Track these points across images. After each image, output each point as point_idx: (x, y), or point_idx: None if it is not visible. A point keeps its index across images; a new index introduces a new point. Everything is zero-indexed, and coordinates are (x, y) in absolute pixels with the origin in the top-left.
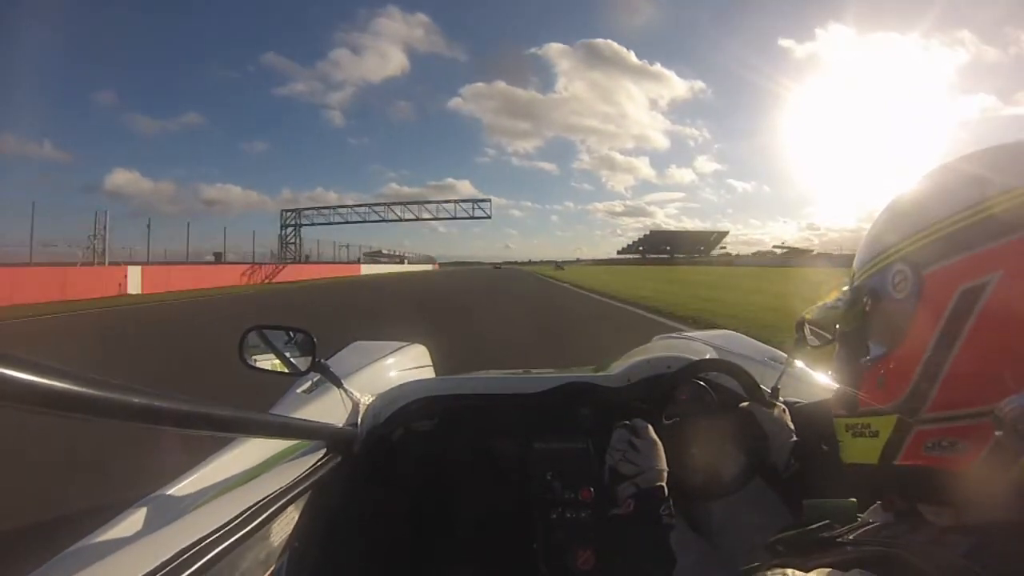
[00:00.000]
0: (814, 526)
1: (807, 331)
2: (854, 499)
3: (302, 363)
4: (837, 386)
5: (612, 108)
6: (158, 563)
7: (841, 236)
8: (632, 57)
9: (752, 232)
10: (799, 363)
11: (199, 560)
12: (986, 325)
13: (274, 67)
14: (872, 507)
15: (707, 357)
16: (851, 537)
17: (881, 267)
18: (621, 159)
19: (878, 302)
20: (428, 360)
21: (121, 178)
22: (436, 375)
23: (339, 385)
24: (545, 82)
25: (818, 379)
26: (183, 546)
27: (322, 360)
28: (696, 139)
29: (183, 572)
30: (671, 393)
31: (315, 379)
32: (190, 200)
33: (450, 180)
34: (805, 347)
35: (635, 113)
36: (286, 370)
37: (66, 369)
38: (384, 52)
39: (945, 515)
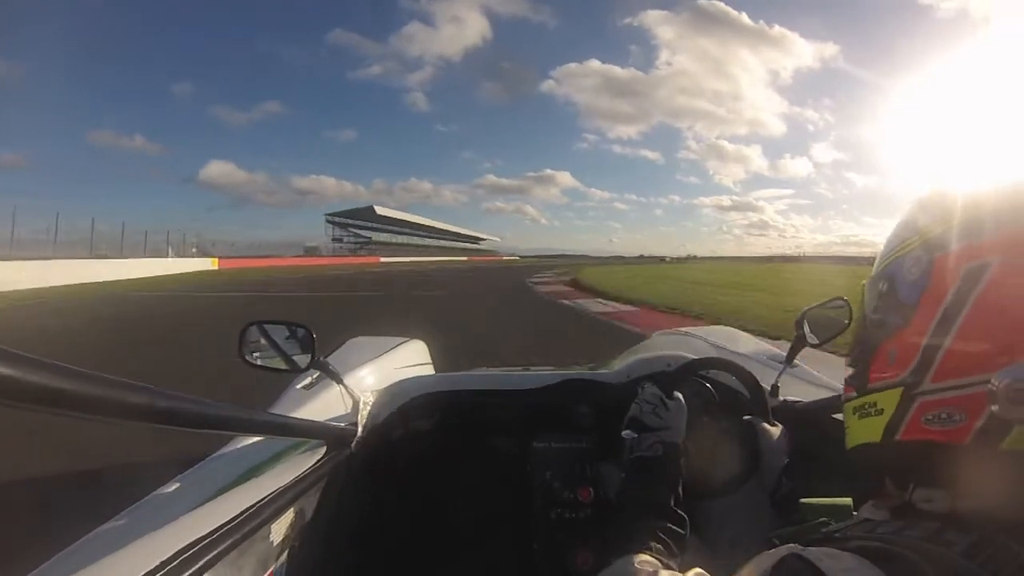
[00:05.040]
0: (812, 522)
1: (806, 329)
2: (849, 498)
3: (302, 359)
4: (849, 370)
5: (724, 84)
6: (159, 562)
7: None
8: (744, 18)
9: (865, 232)
10: (798, 362)
11: (200, 559)
12: (986, 301)
13: (345, 46)
14: (866, 504)
15: (707, 355)
16: (848, 533)
17: (900, 255)
18: (731, 148)
19: (894, 285)
20: (427, 356)
21: (216, 169)
22: (435, 371)
23: (339, 382)
24: (645, 57)
25: (817, 378)
26: (184, 544)
27: (322, 357)
28: (816, 123)
29: (184, 571)
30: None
31: (315, 375)
32: (285, 191)
33: (548, 171)
34: (804, 345)
35: (750, 92)
36: (286, 367)
37: (63, 366)
38: (459, 18)
39: (940, 501)
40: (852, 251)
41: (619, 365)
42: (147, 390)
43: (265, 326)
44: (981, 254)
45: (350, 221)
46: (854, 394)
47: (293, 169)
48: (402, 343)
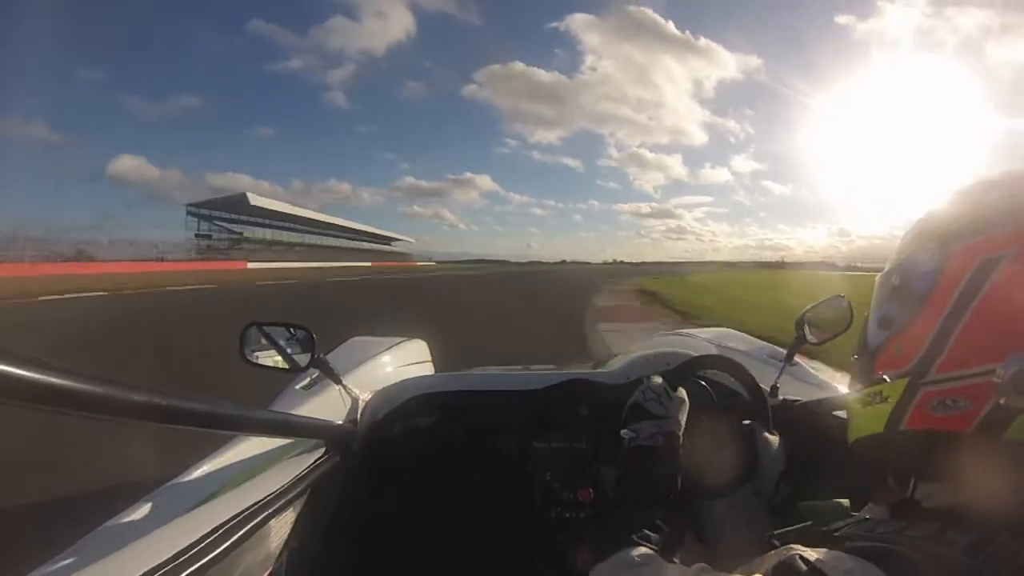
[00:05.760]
0: (811, 523)
1: (807, 329)
2: (847, 500)
3: (302, 359)
4: (857, 362)
5: (648, 92)
6: (158, 562)
7: (871, 244)
8: (671, 28)
9: (779, 237)
10: (798, 361)
11: (200, 559)
12: (996, 293)
13: (264, 36)
14: (866, 506)
15: (706, 354)
16: (848, 532)
17: (915, 249)
18: (651, 157)
19: (907, 278)
20: (427, 356)
21: (127, 163)
22: (435, 371)
23: (338, 382)
24: (570, 61)
25: (817, 378)
26: (184, 545)
27: (321, 356)
28: (736, 135)
29: (183, 571)
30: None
31: (314, 375)
32: (200, 188)
33: (468, 174)
34: (804, 343)
35: (673, 101)
36: (286, 366)
37: (65, 366)
38: (384, 13)
39: (940, 495)
40: (768, 255)
41: (619, 364)
42: (147, 390)
43: (264, 327)
44: (995, 248)
45: (216, 213)
46: (860, 385)
47: (208, 166)
48: (402, 342)
